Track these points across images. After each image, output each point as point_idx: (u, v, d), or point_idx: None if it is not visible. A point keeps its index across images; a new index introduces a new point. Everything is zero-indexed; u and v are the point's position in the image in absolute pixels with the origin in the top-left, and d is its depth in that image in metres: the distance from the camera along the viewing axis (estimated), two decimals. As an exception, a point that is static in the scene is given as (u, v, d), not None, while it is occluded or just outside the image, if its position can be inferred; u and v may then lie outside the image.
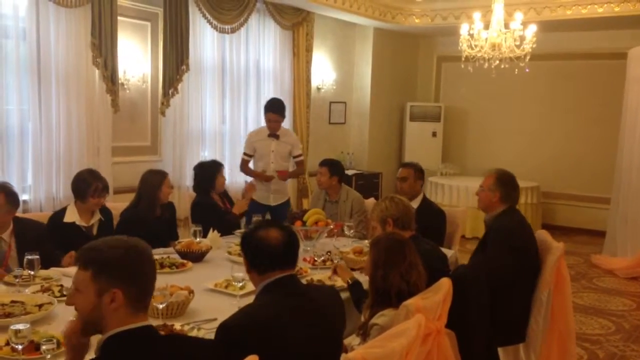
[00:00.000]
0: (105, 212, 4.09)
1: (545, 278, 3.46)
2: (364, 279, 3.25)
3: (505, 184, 3.77)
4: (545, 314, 3.47)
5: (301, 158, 5.91)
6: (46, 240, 3.64)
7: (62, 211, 3.97)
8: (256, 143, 5.68)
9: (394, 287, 2.63)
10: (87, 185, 3.86)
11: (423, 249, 2.95)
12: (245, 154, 5.78)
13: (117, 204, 4.37)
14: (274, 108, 5.63)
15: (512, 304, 3.49)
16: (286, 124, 7.60)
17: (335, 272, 3.32)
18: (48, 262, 3.39)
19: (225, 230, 4.47)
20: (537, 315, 3.48)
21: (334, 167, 5.07)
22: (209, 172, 4.89)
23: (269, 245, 2.27)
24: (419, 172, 4.70)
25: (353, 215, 4.93)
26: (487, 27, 6.45)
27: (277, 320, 2.12)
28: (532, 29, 6.32)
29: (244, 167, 5.80)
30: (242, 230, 4.62)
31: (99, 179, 3.92)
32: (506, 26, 6.40)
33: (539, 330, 3.49)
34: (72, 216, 3.90)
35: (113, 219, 4.18)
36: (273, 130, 5.63)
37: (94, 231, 3.94)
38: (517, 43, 6.36)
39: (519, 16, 6.29)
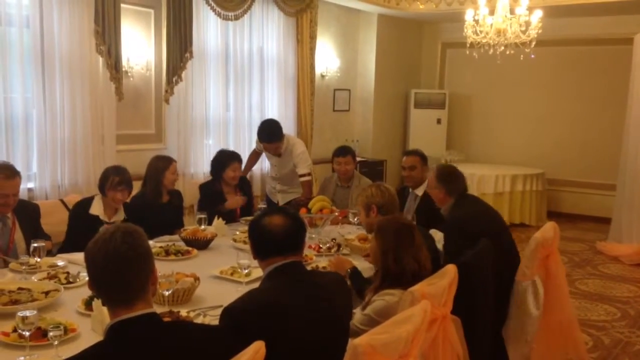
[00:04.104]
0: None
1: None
2: (366, 266, 3.26)
3: (444, 178, 3.79)
4: (540, 304, 3.38)
5: (307, 178, 5.23)
6: (39, 219, 3.85)
7: (89, 201, 4.04)
8: (264, 150, 5.61)
9: (408, 269, 2.68)
10: (105, 178, 3.96)
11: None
12: (257, 147, 5.79)
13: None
14: (268, 136, 5.16)
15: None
16: (290, 112, 7.63)
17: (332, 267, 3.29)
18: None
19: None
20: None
21: (354, 154, 5.25)
22: (219, 161, 4.94)
23: (270, 231, 2.29)
24: (424, 159, 4.77)
25: None
26: (492, 12, 6.41)
27: (279, 305, 2.12)
28: (538, 14, 6.28)
29: (249, 158, 5.85)
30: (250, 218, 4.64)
31: (117, 173, 3.97)
32: (511, 12, 6.37)
33: (531, 321, 3.37)
34: (97, 209, 3.98)
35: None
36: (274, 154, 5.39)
37: None
38: (523, 29, 6.32)
39: (524, 1, 6.25)
